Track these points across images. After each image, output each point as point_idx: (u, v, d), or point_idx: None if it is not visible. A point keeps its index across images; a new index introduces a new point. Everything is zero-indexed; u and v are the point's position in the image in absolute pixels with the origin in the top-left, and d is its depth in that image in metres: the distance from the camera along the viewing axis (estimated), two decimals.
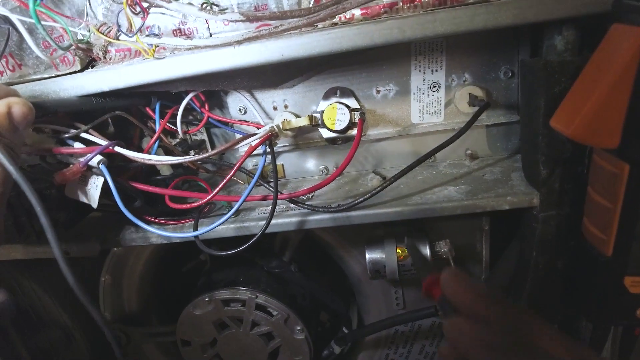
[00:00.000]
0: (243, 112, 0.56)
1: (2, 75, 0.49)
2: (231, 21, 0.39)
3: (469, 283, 0.38)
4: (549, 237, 0.46)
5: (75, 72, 0.47)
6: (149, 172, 0.54)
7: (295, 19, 0.39)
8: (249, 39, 0.40)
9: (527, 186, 0.47)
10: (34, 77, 0.48)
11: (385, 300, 0.64)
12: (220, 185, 0.43)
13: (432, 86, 0.52)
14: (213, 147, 0.62)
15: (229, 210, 0.53)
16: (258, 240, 0.44)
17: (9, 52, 0.48)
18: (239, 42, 0.40)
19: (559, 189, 0.44)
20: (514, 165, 0.52)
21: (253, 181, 0.43)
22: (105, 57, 0.49)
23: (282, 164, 0.59)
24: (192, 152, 0.59)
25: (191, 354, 0.68)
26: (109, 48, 0.48)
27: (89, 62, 0.49)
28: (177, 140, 0.59)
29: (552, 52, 0.41)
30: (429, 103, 0.53)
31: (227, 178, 0.43)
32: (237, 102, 0.55)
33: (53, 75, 0.47)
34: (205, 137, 0.61)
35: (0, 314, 0.28)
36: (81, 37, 0.47)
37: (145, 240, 0.52)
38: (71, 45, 0.46)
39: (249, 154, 0.44)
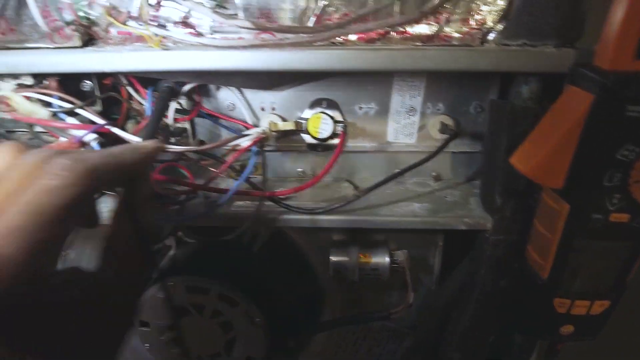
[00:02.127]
0: (231, 108, 0.58)
1: None
2: (241, 27, 0.41)
3: None
4: (497, 259, 0.52)
5: (74, 47, 0.48)
6: None
7: (301, 35, 0.42)
8: (254, 46, 0.43)
9: (482, 211, 0.53)
10: (30, 45, 0.48)
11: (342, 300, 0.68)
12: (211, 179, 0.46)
13: (409, 110, 0.57)
14: (194, 136, 0.64)
15: None
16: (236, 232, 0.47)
17: (3, 15, 0.48)
18: (245, 48, 0.43)
19: (510, 218, 0.50)
20: (472, 191, 0.58)
21: (241, 178, 0.46)
22: (105, 37, 0.50)
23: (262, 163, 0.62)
24: (172, 139, 0.61)
25: (148, 335, 0.68)
26: (110, 29, 0.49)
27: (88, 40, 0.49)
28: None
29: (518, 98, 0.47)
30: (404, 125, 0.58)
31: (218, 172, 0.45)
32: (227, 98, 0.57)
33: (51, 46, 0.48)
34: (187, 126, 0.63)
35: None
36: (82, 14, 0.48)
37: None
38: (74, 20, 0.46)
39: (240, 154, 0.46)
